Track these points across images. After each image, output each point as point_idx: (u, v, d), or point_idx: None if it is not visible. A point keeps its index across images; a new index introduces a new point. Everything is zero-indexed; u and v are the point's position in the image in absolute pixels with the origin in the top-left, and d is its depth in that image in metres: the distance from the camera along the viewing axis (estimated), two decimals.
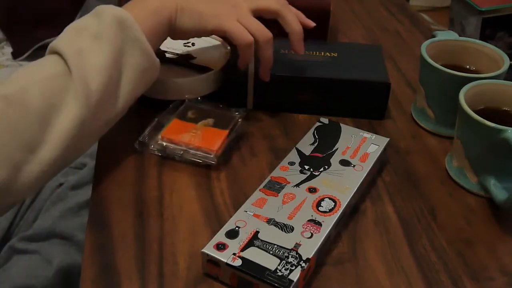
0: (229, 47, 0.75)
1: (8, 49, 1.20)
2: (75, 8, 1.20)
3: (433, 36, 0.70)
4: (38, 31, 1.17)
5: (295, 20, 0.64)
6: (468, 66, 0.69)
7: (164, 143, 0.61)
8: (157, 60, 0.59)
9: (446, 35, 0.70)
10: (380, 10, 1.01)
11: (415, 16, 1.00)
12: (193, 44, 0.75)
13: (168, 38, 0.79)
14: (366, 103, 0.69)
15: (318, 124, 0.65)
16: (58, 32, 1.32)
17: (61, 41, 0.55)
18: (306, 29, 0.82)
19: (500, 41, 0.88)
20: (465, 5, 0.88)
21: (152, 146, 0.62)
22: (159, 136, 0.62)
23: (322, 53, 0.73)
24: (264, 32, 0.62)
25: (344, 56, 0.73)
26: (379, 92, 0.69)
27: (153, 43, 0.59)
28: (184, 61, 0.72)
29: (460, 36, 0.70)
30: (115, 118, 0.57)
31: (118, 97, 0.56)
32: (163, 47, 0.73)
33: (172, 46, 0.74)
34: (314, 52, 0.73)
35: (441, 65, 0.64)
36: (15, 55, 1.17)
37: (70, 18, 1.19)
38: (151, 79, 0.60)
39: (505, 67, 0.63)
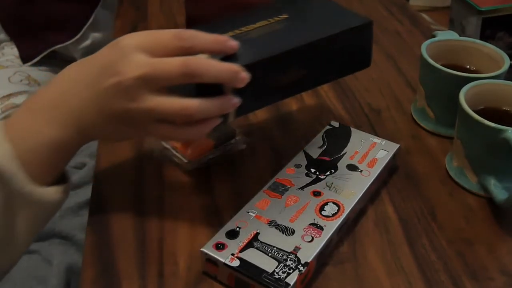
0: None
1: (8, 50, 1.19)
2: (84, 14, 1.20)
3: (433, 36, 0.70)
4: (47, 36, 1.17)
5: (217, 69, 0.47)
6: (468, 66, 0.69)
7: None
8: (60, 197, 0.50)
9: (446, 35, 0.70)
10: (380, 10, 1.01)
11: (415, 16, 1.00)
12: None
13: None
14: (352, 54, 0.58)
15: (328, 127, 0.64)
16: (67, 37, 1.32)
17: None
18: None
19: (500, 41, 0.88)
20: (465, 5, 0.88)
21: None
22: None
23: (270, 20, 0.57)
24: (173, 106, 0.46)
25: (296, 15, 0.59)
26: (365, 35, 0.59)
27: (53, 173, 0.50)
28: None
29: (460, 36, 0.70)
30: (10, 267, 0.51)
31: (11, 252, 0.49)
32: None
33: None
34: (261, 23, 0.57)
35: (441, 65, 0.64)
36: (24, 59, 1.17)
37: (79, 23, 1.19)
38: (54, 214, 0.52)
39: (505, 67, 0.63)
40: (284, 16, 0.58)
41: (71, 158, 0.52)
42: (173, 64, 0.45)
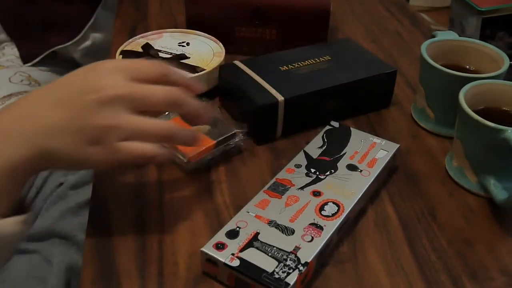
0: (223, 48, 0.75)
1: (9, 50, 1.19)
2: (85, 14, 1.20)
3: (433, 36, 0.70)
4: (47, 36, 1.17)
5: (192, 107, 0.50)
6: (468, 66, 0.69)
7: None
8: (21, 228, 0.46)
9: (446, 35, 0.70)
10: (380, 10, 1.01)
11: (415, 16, 1.00)
12: (187, 44, 0.76)
13: (164, 37, 0.79)
14: (377, 94, 0.72)
15: (328, 127, 0.64)
16: (68, 38, 1.32)
17: None
18: (307, 30, 0.82)
19: (500, 41, 0.88)
20: (465, 5, 0.88)
21: None
22: None
23: (317, 59, 0.72)
24: (155, 125, 0.49)
25: (338, 57, 0.73)
26: (390, 80, 0.72)
27: (7, 202, 0.46)
28: (177, 61, 0.72)
29: (460, 36, 0.70)
30: None
31: None
32: (157, 46, 0.73)
33: (167, 46, 0.74)
34: (310, 61, 0.71)
35: (441, 65, 0.64)
36: (25, 59, 1.17)
37: (79, 24, 1.19)
38: (14, 247, 0.47)
39: (505, 67, 0.63)
40: (328, 57, 0.72)
41: (25, 184, 0.48)
42: (158, 91, 0.48)
